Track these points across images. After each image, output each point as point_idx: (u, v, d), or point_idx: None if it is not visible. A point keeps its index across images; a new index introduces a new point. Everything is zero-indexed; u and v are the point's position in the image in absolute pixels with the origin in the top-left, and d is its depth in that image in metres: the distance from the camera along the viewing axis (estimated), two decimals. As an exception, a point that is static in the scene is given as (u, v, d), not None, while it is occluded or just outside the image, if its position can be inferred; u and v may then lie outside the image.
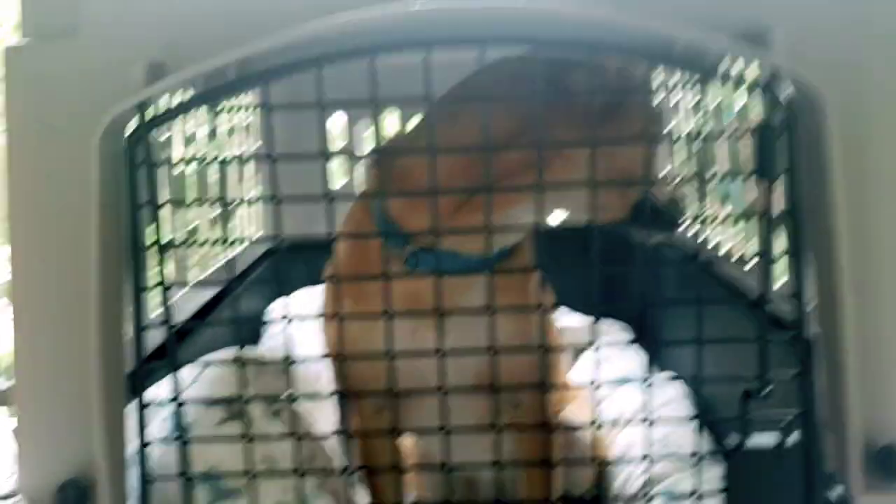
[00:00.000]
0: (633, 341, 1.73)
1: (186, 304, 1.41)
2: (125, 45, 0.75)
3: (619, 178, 0.96)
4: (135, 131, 0.75)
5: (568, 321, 1.77)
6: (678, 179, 1.12)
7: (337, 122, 1.90)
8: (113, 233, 0.77)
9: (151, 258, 0.79)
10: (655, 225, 1.05)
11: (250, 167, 1.79)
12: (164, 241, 0.79)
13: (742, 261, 1.32)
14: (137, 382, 0.80)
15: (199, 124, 1.46)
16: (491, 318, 0.86)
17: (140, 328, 0.78)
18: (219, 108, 1.47)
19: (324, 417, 1.28)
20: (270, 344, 1.75)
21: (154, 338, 0.82)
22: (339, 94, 0.78)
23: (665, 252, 1.64)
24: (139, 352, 0.79)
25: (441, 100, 1.01)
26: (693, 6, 0.77)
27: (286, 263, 1.91)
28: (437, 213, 0.96)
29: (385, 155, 1.05)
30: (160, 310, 0.82)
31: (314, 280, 1.28)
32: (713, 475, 0.85)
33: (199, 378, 1.10)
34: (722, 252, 1.44)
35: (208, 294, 1.45)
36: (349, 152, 1.91)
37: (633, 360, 1.67)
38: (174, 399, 0.81)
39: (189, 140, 1.41)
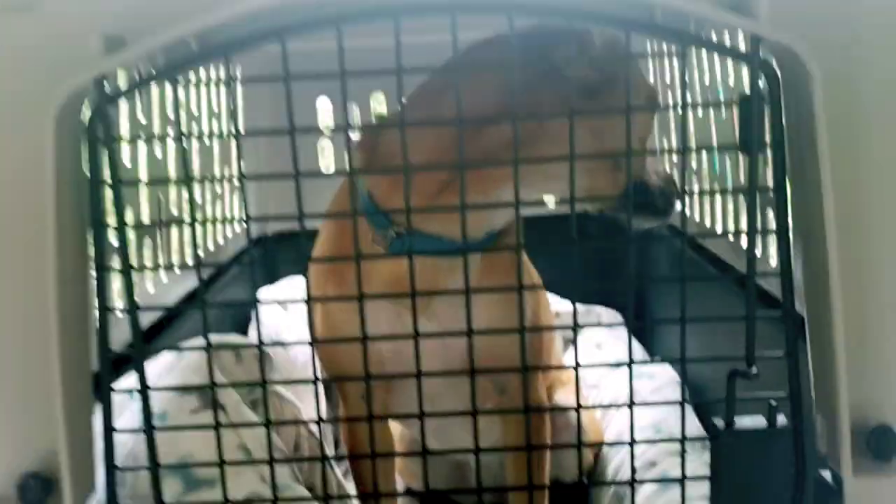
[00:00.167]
0: (626, 325, 1.71)
1: (175, 288, 1.38)
2: (82, 18, 0.72)
3: (609, 157, 0.93)
4: (94, 107, 0.73)
5: (559, 307, 1.75)
6: (666, 154, 1.10)
7: (327, 106, 1.87)
8: (72, 212, 0.74)
9: (114, 238, 0.76)
10: (648, 211, 1.02)
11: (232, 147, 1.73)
12: (132, 222, 0.76)
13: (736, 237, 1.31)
14: (103, 369, 0.78)
15: (171, 101, 1.41)
16: (476, 300, 0.83)
17: (104, 311, 0.76)
18: (184, 83, 1.43)
19: (312, 405, 1.25)
20: (256, 332, 1.72)
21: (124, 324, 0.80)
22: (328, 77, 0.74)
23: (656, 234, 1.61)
24: (104, 338, 0.77)
25: (428, 78, 0.98)
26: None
27: (274, 251, 1.89)
28: (421, 194, 0.93)
29: (371, 133, 1.02)
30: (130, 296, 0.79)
31: (303, 266, 1.25)
32: (706, 460, 0.83)
33: (175, 366, 1.08)
34: (716, 229, 1.42)
35: (194, 280, 1.43)
36: (318, 130, 1.85)
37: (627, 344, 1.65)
38: (143, 388, 0.79)
39: (164, 120, 1.38)
